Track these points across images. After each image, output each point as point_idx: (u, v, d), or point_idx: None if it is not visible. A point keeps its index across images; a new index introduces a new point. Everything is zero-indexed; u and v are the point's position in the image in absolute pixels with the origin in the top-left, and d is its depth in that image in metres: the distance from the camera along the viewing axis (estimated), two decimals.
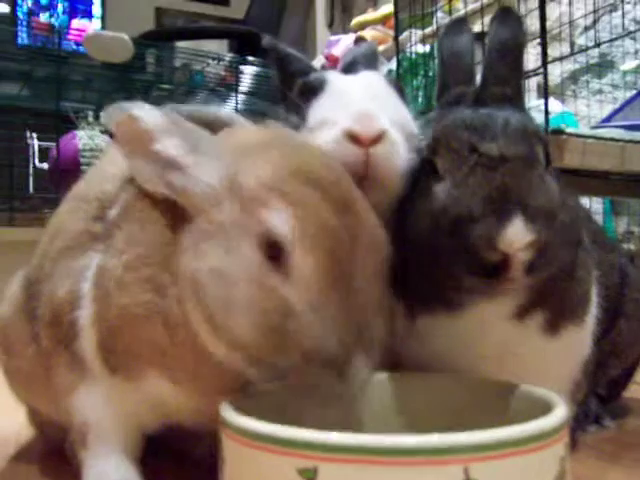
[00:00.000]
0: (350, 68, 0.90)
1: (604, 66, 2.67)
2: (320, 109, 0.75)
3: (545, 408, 0.56)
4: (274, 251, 0.57)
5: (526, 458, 0.49)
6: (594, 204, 2.59)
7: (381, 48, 3.32)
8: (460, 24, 0.86)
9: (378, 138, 0.68)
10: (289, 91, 0.82)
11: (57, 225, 0.78)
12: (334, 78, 0.78)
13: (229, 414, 0.56)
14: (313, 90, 0.77)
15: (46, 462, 0.87)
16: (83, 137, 2.37)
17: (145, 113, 0.66)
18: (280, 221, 0.57)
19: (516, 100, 0.74)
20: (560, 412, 0.55)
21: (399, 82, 0.85)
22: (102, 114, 0.69)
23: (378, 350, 0.61)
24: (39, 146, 2.59)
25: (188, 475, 0.79)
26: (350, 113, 0.70)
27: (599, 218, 2.57)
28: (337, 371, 0.56)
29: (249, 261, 0.58)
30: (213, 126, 0.71)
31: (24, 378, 0.84)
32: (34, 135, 2.60)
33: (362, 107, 0.71)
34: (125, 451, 0.73)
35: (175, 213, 0.65)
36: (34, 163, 2.59)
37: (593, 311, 0.79)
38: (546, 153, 0.69)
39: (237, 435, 0.54)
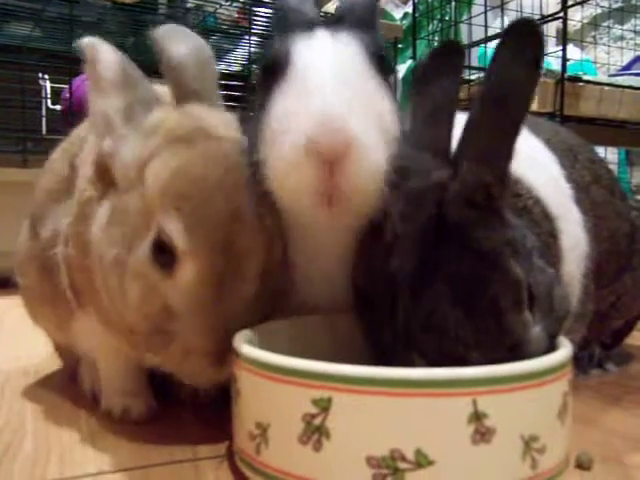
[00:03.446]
0: (336, 25, 0.68)
1: (627, 11, 2.59)
2: (280, 104, 0.61)
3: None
4: (164, 254, 0.62)
5: (532, 392, 0.52)
6: (609, 154, 2.57)
7: None
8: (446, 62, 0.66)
9: (345, 151, 0.56)
10: None
11: (49, 166, 0.85)
12: (300, 55, 0.62)
13: (244, 347, 0.59)
14: (275, 72, 0.63)
15: (63, 391, 0.91)
16: None
17: (105, 58, 0.67)
18: (172, 228, 0.61)
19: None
20: (565, 351, 0.57)
21: (381, 48, 0.66)
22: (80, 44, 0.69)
23: None
24: (52, 88, 2.58)
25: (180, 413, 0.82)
26: (311, 117, 0.57)
27: (613, 168, 2.55)
28: (214, 362, 0.63)
29: (142, 257, 0.63)
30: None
31: (36, 303, 0.89)
32: (46, 77, 2.58)
33: (326, 108, 0.57)
34: (132, 376, 0.80)
35: (106, 175, 0.68)
36: (47, 105, 2.58)
37: (570, 264, 0.77)
38: None
39: (253, 367, 0.57)
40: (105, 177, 0.68)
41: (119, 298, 0.65)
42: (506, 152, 0.57)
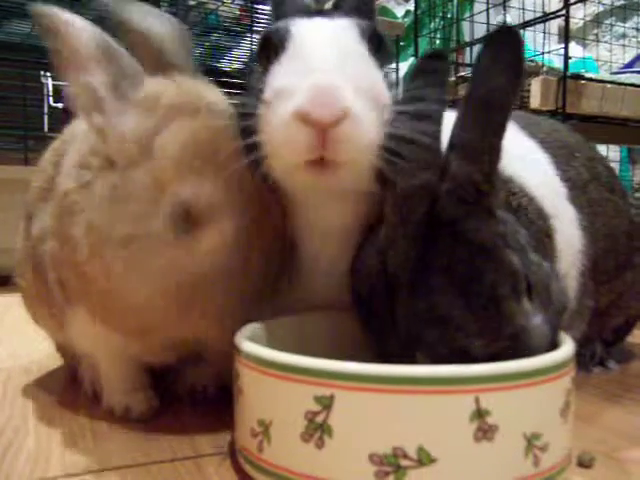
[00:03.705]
0: (333, 11, 0.73)
1: (630, 8, 2.58)
2: (277, 76, 0.63)
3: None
4: (185, 223, 0.61)
5: (535, 389, 0.52)
6: (610, 152, 2.57)
7: None
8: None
9: (338, 120, 0.57)
10: None
11: (40, 166, 0.84)
12: (299, 31, 0.65)
13: (247, 344, 0.59)
14: (274, 47, 0.65)
15: (65, 389, 0.91)
16: None
17: (77, 29, 0.63)
18: (196, 194, 0.60)
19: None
20: (568, 348, 0.57)
21: (379, 32, 0.68)
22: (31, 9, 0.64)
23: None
24: (53, 85, 2.58)
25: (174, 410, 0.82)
26: (307, 86, 0.58)
27: (615, 166, 2.55)
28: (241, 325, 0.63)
29: (161, 232, 0.61)
30: (143, 45, 0.69)
31: (34, 304, 0.89)
32: (48, 74, 2.58)
33: (322, 78, 0.58)
34: (130, 376, 0.80)
35: (97, 154, 0.67)
36: (48, 102, 2.59)
37: (565, 262, 0.77)
38: None
39: (256, 365, 0.56)
40: (96, 156, 0.67)
41: (133, 277, 0.63)
42: (492, 151, 0.59)
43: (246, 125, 0.63)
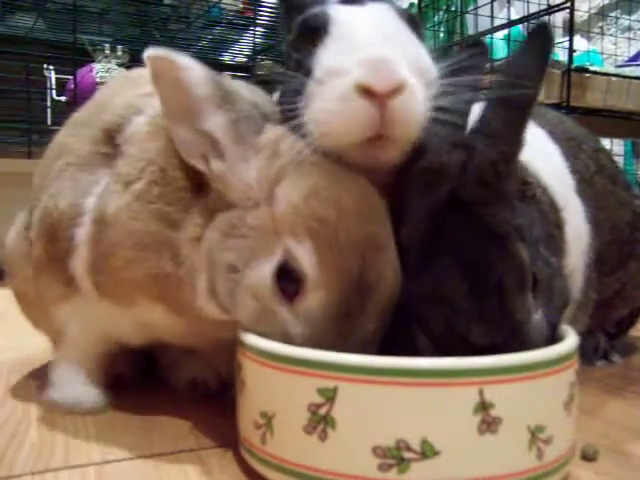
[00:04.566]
0: None
1: (636, 1, 2.56)
2: (327, 56, 0.63)
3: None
4: (288, 280, 0.57)
5: (539, 382, 0.51)
6: (615, 146, 2.56)
7: None
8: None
9: (396, 90, 0.58)
10: (292, 24, 0.70)
11: (58, 147, 0.79)
12: (339, 15, 0.66)
13: (251, 338, 0.58)
14: (315, 31, 0.65)
15: None
16: (100, 70, 2.39)
17: (193, 75, 0.61)
18: (302, 255, 0.56)
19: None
20: (571, 341, 0.57)
21: (412, 13, 0.71)
22: (145, 54, 0.60)
23: None
24: (56, 79, 2.59)
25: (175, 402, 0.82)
26: (362, 60, 0.59)
27: (619, 160, 2.54)
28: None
29: (263, 279, 0.58)
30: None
31: (27, 300, 0.87)
32: (51, 68, 2.59)
33: (376, 52, 0.60)
34: (93, 370, 0.80)
35: (201, 178, 0.64)
36: (52, 96, 2.60)
37: (572, 255, 0.77)
38: None
39: (259, 357, 0.56)
40: (205, 195, 0.64)
41: (231, 306, 0.62)
42: (515, 133, 0.60)
43: (292, 104, 0.62)
